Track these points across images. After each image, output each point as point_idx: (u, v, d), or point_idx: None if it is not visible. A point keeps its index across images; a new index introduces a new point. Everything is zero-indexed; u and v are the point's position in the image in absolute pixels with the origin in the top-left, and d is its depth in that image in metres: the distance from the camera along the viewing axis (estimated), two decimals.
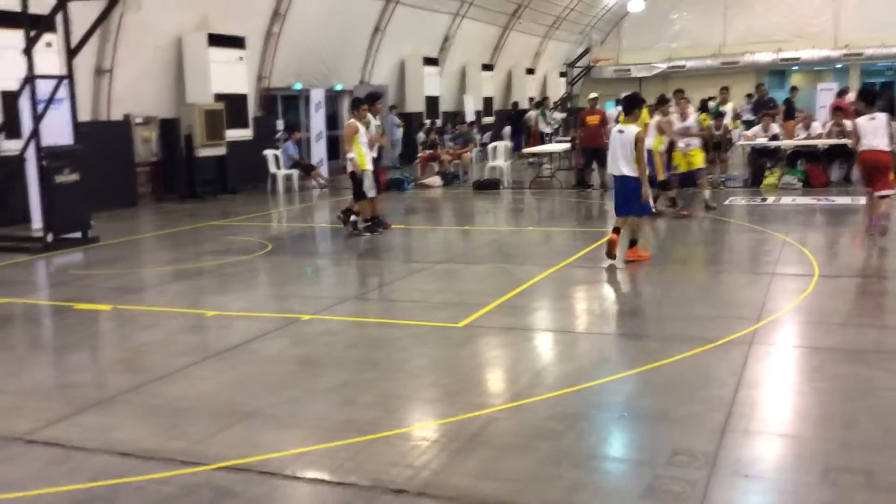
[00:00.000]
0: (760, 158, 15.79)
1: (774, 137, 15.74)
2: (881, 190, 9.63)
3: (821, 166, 15.17)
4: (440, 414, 4.67)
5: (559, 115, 25.92)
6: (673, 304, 7.31)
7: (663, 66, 36.38)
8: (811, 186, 14.65)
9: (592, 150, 15.55)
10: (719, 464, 3.83)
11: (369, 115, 11.50)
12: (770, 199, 13.72)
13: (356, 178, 11.11)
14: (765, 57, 34.59)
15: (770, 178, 15.60)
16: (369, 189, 11.11)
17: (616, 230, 8.68)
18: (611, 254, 8.59)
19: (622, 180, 8.69)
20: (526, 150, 19.93)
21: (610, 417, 4.58)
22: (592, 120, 15.55)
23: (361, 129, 11.09)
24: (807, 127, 15.81)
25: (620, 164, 8.63)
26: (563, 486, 3.68)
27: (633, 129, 8.58)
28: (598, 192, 15.50)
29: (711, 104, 18.34)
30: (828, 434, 4.21)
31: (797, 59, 34.28)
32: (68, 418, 4.65)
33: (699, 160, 12.46)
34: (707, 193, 12.56)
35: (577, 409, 4.63)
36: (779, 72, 36.15)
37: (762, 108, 17.79)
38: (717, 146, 15.71)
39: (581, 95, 34.54)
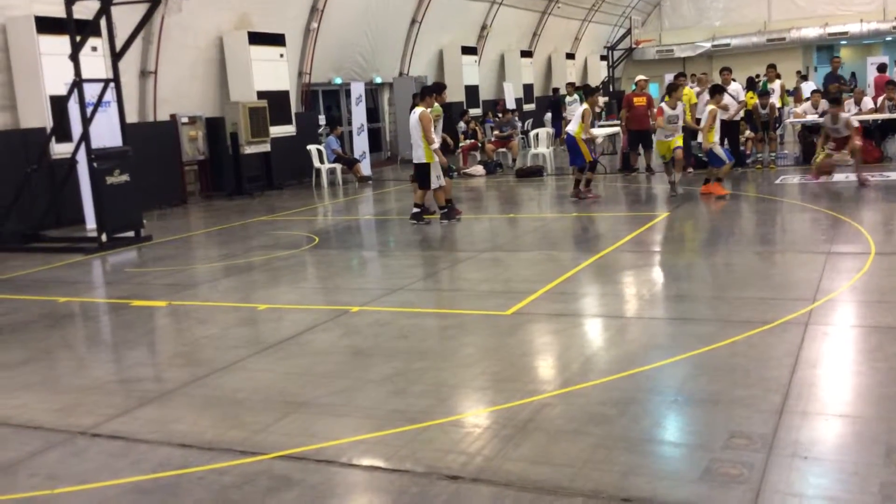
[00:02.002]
0: (811, 136, 15.43)
1: (825, 114, 15.35)
2: None
3: (874, 142, 14.76)
4: (491, 401, 4.68)
5: (601, 100, 25.55)
6: (725, 286, 7.20)
7: (707, 45, 35.78)
8: (865, 162, 14.27)
9: (638, 133, 15.36)
10: (777, 446, 3.78)
11: (436, 105, 11.70)
12: (822, 177, 13.40)
13: (424, 170, 11.16)
14: (812, 32, 33.79)
15: (822, 156, 15.23)
16: (436, 180, 11.13)
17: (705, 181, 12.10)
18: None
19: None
20: None
21: (663, 401, 4.54)
22: (639, 102, 15.34)
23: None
24: (858, 102, 15.40)
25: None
26: (617, 470, 3.67)
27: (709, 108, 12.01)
28: (644, 175, 15.32)
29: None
30: (889, 414, 4.12)
31: (845, 33, 33.40)
32: (130, 412, 4.78)
33: (679, 141, 13.07)
34: (677, 176, 12.70)
35: (629, 394, 4.60)
36: (827, 47, 35.27)
37: (834, 81, 17.42)
38: (764, 125, 15.39)
39: (623, 78, 34.17)
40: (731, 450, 3.78)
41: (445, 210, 11.35)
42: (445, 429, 4.26)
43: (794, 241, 9.27)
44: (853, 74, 20.99)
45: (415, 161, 11.38)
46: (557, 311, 6.60)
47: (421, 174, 11.29)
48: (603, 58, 34.69)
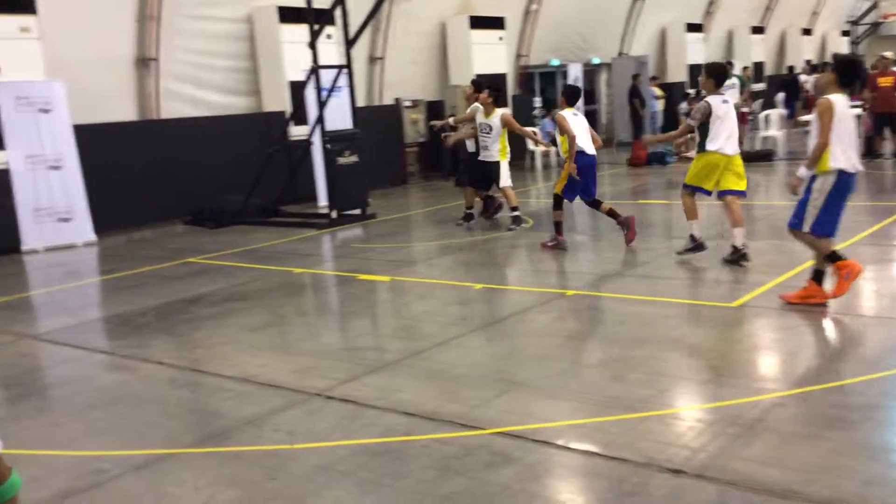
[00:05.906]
0: None
1: None
2: None
3: None
4: (715, 396, 4.47)
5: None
6: None
7: None
8: None
9: (885, 115, 13.96)
10: None
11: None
12: None
13: (493, 168, 10.34)
14: None
15: None
16: (507, 178, 10.36)
17: None
18: None
19: None
20: (802, 118, 18.34)
21: None
22: (885, 82, 13.93)
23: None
24: None
25: None
26: (857, 478, 3.38)
27: None
28: (890, 161, 13.92)
29: None
30: None
31: None
32: (358, 378, 5.08)
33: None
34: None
35: (873, 399, 4.21)
36: None
37: None
38: None
39: (867, 55, 31.09)
40: None
41: (517, 214, 10.28)
42: (666, 420, 4.13)
43: None
44: None
45: (486, 160, 10.30)
46: (789, 305, 6.16)
47: (488, 173, 10.38)
48: (845, 33, 31.76)
